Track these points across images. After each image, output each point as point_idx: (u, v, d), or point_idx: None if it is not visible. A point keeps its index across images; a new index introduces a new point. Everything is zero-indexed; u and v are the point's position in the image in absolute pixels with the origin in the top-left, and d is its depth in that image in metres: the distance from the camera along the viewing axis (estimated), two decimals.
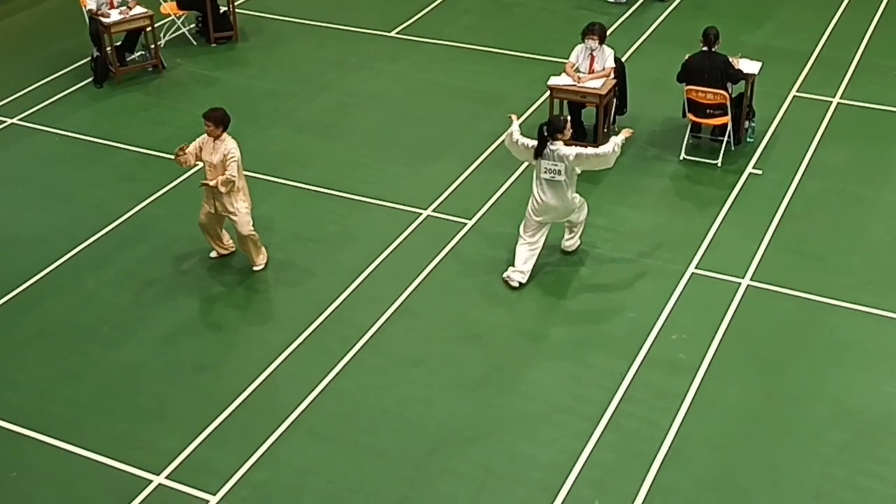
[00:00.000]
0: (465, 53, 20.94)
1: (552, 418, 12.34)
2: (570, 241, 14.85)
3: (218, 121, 14.15)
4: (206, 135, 14.25)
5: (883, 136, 17.70)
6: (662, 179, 16.69)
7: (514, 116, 14.85)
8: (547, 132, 13.92)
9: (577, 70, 17.00)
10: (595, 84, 16.75)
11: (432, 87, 19.74)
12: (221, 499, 11.47)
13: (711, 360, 13.07)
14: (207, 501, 11.46)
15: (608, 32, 17.43)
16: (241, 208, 14.37)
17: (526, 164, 16.32)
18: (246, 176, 14.86)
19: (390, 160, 17.31)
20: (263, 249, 14.90)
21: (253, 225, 14.52)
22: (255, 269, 14.81)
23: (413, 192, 16.36)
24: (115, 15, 19.68)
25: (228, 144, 14.13)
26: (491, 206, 16.02)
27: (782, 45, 20.71)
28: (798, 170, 16.69)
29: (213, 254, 15.05)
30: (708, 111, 16.79)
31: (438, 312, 14.04)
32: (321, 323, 13.85)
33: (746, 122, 17.35)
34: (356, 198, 16.34)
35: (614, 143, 13.90)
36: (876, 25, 21.50)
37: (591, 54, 16.91)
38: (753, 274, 14.50)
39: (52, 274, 14.90)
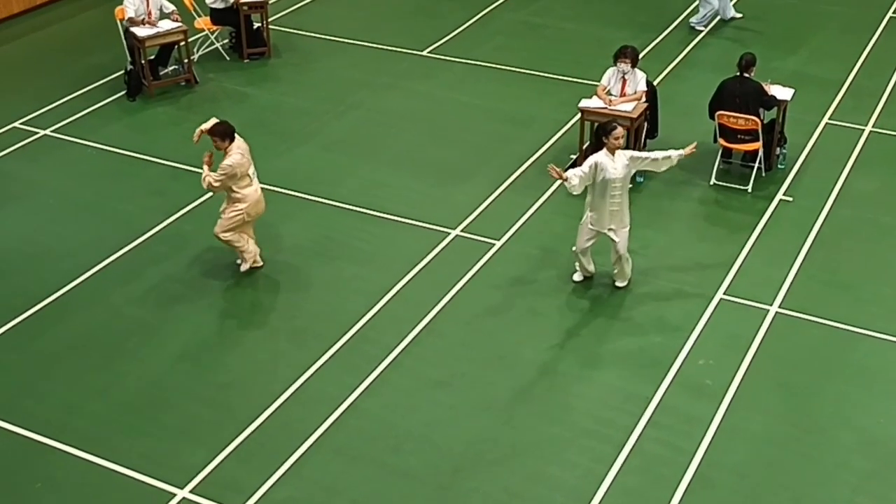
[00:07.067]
0: (496, 74, 20.96)
1: (577, 441, 12.31)
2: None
3: (223, 134, 14.33)
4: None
5: None
6: (692, 204, 16.65)
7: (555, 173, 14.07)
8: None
9: (609, 93, 17.00)
10: (626, 107, 16.73)
11: (463, 107, 19.76)
12: None
13: (738, 387, 13.01)
14: None
15: (640, 56, 17.40)
16: (226, 213, 14.55)
17: (555, 185, 16.32)
18: (276, 192, 14.91)
19: (419, 179, 17.33)
20: (249, 255, 14.94)
21: (231, 233, 14.64)
22: (241, 268, 15.04)
23: (442, 212, 16.37)
24: (166, 24, 19.94)
25: (229, 159, 14.25)
26: (520, 228, 16.00)
27: (815, 73, 20.65)
28: (829, 197, 16.63)
29: (244, 266, 15.08)
30: (739, 136, 16.76)
31: (465, 333, 14.03)
32: (347, 341, 13.85)
33: (778, 149, 17.31)
34: (385, 216, 16.35)
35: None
36: None
37: (623, 77, 16.90)
38: (782, 301, 14.44)
39: (80, 287, 14.94)
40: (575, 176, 13.80)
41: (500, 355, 13.63)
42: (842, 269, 15.14)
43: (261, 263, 15.11)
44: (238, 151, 14.24)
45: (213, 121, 14.62)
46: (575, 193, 13.93)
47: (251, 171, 14.44)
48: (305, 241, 15.78)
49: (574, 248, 14.59)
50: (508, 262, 15.33)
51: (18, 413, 12.82)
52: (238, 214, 14.45)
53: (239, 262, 15.02)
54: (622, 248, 14.37)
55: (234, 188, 14.34)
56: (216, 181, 14.24)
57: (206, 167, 14.34)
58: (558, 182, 14.28)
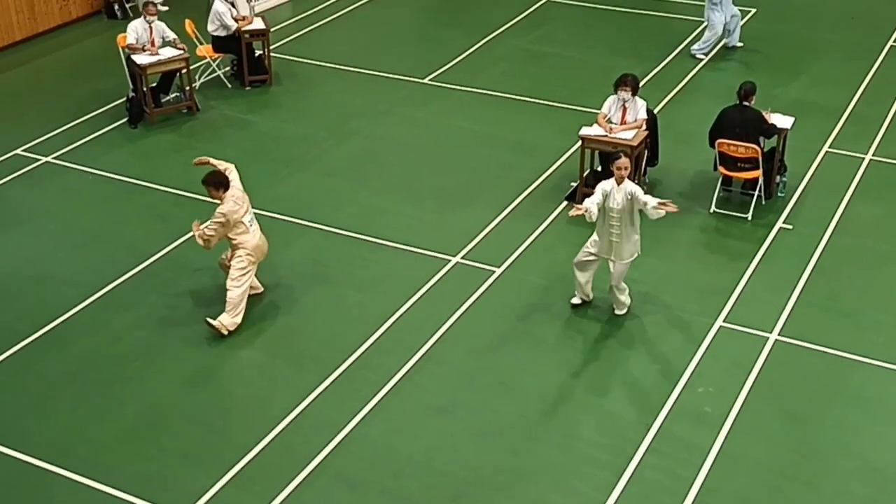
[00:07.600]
0: (497, 101, 21.02)
1: (577, 468, 12.31)
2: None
3: (217, 184, 14.26)
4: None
5: None
6: (692, 231, 16.67)
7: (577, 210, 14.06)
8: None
9: (609, 121, 17.04)
10: (627, 135, 16.76)
11: (463, 134, 19.80)
12: None
13: (738, 414, 13.01)
14: None
15: (641, 84, 17.44)
16: (233, 263, 14.40)
17: (556, 212, 16.35)
18: (276, 218, 14.82)
19: (420, 206, 17.37)
20: (236, 318, 14.47)
21: (243, 287, 14.38)
22: (211, 322, 14.41)
23: (442, 239, 16.40)
24: (168, 51, 20.03)
25: (223, 206, 14.17)
26: (520, 255, 16.02)
27: (816, 100, 20.70)
28: (829, 226, 16.66)
29: (211, 320, 14.77)
30: (739, 164, 16.80)
31: (466, 360, 14.03)
32: (348, 367, 13.86)
33: (778, 177, 17.34)
34: (385, 243, 16.38)
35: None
36: None
37: (624, 105, 16.95)
38: (782, 329, 14.45)
39: (82, 312, 14.96)
40: (593, 204, 13.85)
41: (500, 382, 13.64)
42: (841, 297, 15.16)
43: (261, 290, 15.13)
44: (232, 199, 14.24)
45: (230, 167, 14.64)
46: (594, 220, 13.92)
47: (246, 218, 14.35)
48: (305, 267, 15.81)
49: (574, 261, 14.61)
50: (509, 289, 15.35)
51: (20, 438, 12.83)
52: (242, 260, 14.36)
53: (213, 322, 14.48)
54: (615, 280, 14.41)
55: (231, 236, 14.32)
56: (210, 230, 14.16)
57: (196, 231, 14.33)
58: (559, 209, 14.30)
